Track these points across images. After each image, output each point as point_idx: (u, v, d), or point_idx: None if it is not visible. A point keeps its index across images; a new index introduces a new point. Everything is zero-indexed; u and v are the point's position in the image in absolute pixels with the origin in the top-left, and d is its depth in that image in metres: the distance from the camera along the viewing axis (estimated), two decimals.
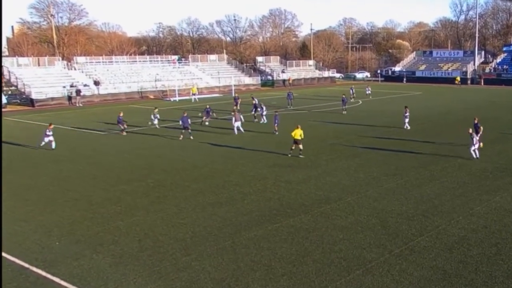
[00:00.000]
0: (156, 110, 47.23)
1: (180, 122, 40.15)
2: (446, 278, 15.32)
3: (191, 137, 39.67)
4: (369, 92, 74.20)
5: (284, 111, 55.69)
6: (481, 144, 30.87)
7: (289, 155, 32.73)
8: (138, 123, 47.95)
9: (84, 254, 17.61)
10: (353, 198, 23.56)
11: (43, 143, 36.48)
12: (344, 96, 58.37)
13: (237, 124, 42.36)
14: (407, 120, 43.54)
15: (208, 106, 49.02)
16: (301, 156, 32.31)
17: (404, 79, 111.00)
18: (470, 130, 31.01)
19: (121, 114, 43.75)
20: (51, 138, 36.64)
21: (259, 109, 50.07)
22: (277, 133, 41.35)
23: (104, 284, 15.32)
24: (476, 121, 32.38)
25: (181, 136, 39.80)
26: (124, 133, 42.66)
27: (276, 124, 41.88)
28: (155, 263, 16.73)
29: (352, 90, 71.58)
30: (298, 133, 32.62)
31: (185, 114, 40.67)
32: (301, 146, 32.59)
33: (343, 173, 28.26)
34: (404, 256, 16.98)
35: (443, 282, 15.04)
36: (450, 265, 16.19)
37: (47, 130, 36.74)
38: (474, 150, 30.71)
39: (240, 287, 15.04)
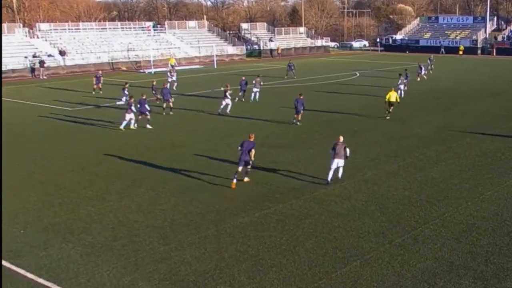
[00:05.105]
0: (127, 85, 45.76)
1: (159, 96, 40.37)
2: (453, 270, 15.49)
3: (171, 113, 40.21)
4: (424, 72, 63.48)
5: (290, 82, 55.67)
6: None
7: (387, 118, 37.36)
8: (110, 97, 47.74)
9: (52, 243, 17.63)
10: (349, 181, 23.65)
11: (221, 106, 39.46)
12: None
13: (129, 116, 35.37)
14: (405, 86, 47.28)
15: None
16: (387, 118, 37.24)
17: (442, 50, 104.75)
18: (342, 138, 23.69)
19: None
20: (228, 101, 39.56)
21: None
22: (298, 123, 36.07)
23: (75, 277, 15.35)
24: (341, 140, 23.63)
25: (164, 112, 40.24)
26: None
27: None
28: (130, 254, 16.78)
29: (431, 61, 70.73)
30: (393, 96, 37.12)
31: (166, 86, 41.53)
32: (391, 109, 37.40)
33: None
34: (406, 246, 17.14)
35: (450, 275, 15.20)
36: (457, 256, 16.36)
37: (226, 91, 39.38)
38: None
39: (225, 279, 15.14)
